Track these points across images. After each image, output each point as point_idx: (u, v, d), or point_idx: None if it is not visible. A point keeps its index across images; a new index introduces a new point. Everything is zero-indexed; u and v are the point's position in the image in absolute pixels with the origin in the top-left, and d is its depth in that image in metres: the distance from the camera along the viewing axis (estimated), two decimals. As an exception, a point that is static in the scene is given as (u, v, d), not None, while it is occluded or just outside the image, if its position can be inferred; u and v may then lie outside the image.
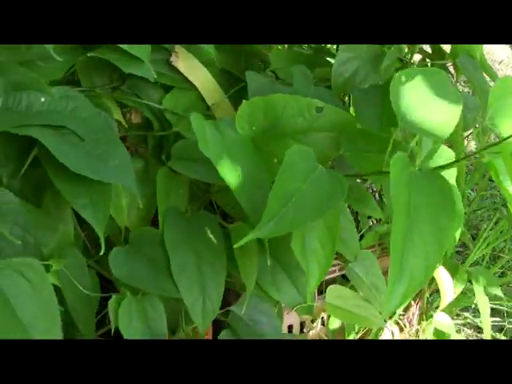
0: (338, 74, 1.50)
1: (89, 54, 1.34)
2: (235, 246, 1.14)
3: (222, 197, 1.50)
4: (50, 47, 1.22)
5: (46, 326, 1.18)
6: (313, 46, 1.80)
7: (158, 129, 1.47)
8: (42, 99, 1.28)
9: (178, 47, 1.48)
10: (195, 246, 1.35)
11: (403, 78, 1.20)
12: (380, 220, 1.91)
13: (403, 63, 1.63)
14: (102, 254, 1.22)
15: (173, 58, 1.47)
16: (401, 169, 1.05)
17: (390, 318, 1.85)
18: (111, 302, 1.30)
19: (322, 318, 1.82)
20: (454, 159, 1.26)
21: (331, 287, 1.61)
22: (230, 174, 1.18)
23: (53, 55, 1.23)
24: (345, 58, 1.51)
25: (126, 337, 1.28)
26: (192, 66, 1.49)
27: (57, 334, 1.19)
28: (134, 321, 1.29)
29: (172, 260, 1.32)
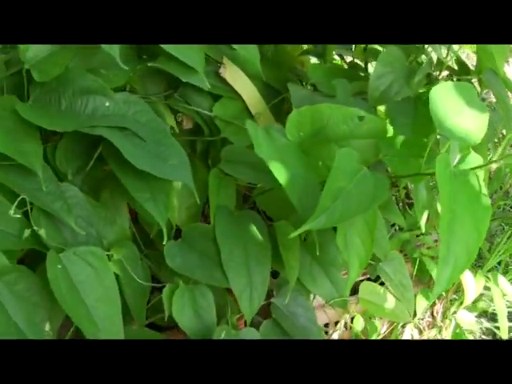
0: (375, 88, 1.60)
1: (149, 64, 1.45)
2: (290, 237, 1.24)
3: (263, 199, 1.61)
4: (116, 55, 1.32)
5: (107, 310, 1.28)
6: (347, 61, 1.91)
7: (207, 134, 1.58)
8: (107, 103, 1.38)
9: (225, 59, 1.59)
10: (243, 241, 1.46)
11: (440, 90, 1.32)
12: (402, 228, 2.02)
13: (431, 78, 1.74)
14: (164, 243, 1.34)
15: (221, 70, 1.58)
16: (444, 167, 1.16)
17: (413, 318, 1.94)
18: (165, 291, 1.41)
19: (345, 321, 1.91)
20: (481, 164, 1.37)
21: (365, 283, 1.71)
22: (282, 174, 1.29)
23: (118, 63, 1.32)
24: (381, 73, 1.62)
25: (178, 322, 1.39)
26: (238, 78, 1.60)
27: (117, 318, 1.29)
28: (185, 308, 1.40)
29: (222, 253, 1.43)
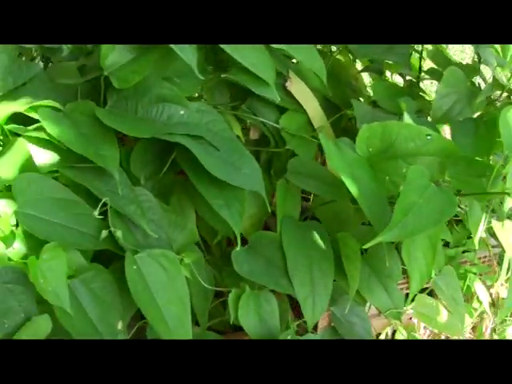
0: (438, 107, 1.64)
1: (223, 76, 1.49)
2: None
3: (323, 210, 1.65)
4: (194, 65, 1.35)
5: (177, 311, 1.31)
6: (406, 79, 1.96)
7: (273, 145, 1.62)
8: (182, 112, 1.42)
9: (291, 73, 1.64)
10: (307, 250, 1.50)
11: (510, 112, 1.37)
12: (447, 244, 2.04)
13: (491, 100, 1.78)
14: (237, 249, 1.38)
15: (288, 83, 1.62)
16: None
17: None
18: (231, 296, 1.44)
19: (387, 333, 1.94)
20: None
21: (419, 296, 1.74)
22: (354, 187, 1.32)
23: (192, 73, 1.34)
24: (444, 93, 1.65)
25: (244, 326, 1.43)
26: (303, 92, 1.64)
27: (187, 319, 1.32)
28: (251, 313, 1.44)
29: (288, 261, 1.47)
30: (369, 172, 1.42)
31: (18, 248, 1.28)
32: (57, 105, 1.42)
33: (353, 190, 1.32)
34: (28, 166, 1.34)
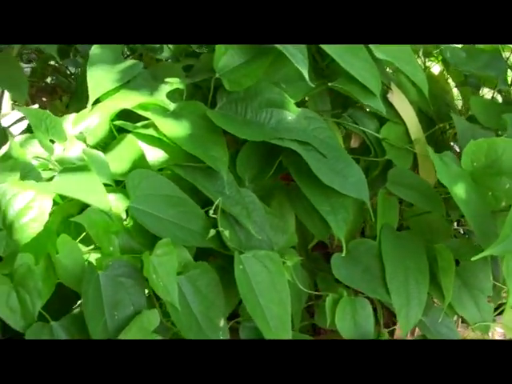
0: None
1: (330, 84, 1.51)
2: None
3: (418, 221, 1.66)
4: (305, 72, 1.36)
5: (278, 311, 1.33)
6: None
7: (373, 155, 1.63)
8: (290, 117, 1.44)
9: (393, 85, 1.64)
10: (404, 260, 1.50)
11: None
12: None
13: None
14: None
15: (389, 95, 1.63)
16: None
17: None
18: (329, 299, 1.46)
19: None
20: None
21: (508, 311, 1.74)
22: (460, 199, 1.34)
23: (302, 79, 1.37)
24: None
25: (340, 330, 1.44)
26: (403, 103, 1.65)
27: (287, 320, 1.34)
28: (347, 317, 1.45)
29: (387, 270, 1.48)
30: (473, 186, 1.42)
31: (128, 242, 1.31)
32: (167, 104, 1.44)
33: (460, 203, 1.34)
34: (140, 162, 1.37)
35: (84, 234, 1.28)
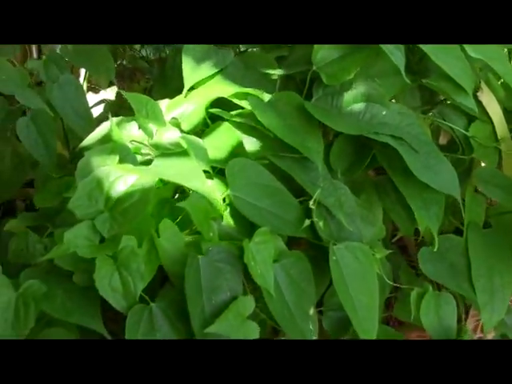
0: None
1: (424, 80, 1.51)
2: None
3: (501, 220, 1.64)
4: (402, 67, 1.37)
5: (367, 302, 1.34)
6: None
7: (460, 152, 1.63)
8: (384, 112, 1.44)
9: (482, 84, 1.64)
10: (489, 258, 1.51)
11: None
12: None
13: None
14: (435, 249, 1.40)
15: (479, 93, 1.63)
16: None
17: None
18: (413, 294, 1.46)
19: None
20: None
21: None
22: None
23: (401, 74, 1.38)
24: None
25: (424, 324, 1.45)
26: (491, 102, 1.64)
27: (375, 311, 1.35)
28: (431, 312, 1.46)
29: (472, 266, 1.49)
30: None
31: (225, 229, 1.33)
32: (263, 94, 1.45)
33: None
34: (239, 150, 1.39)
35: (179, 217, 1.30)
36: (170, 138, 1.40)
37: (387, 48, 1.37)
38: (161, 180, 1.32)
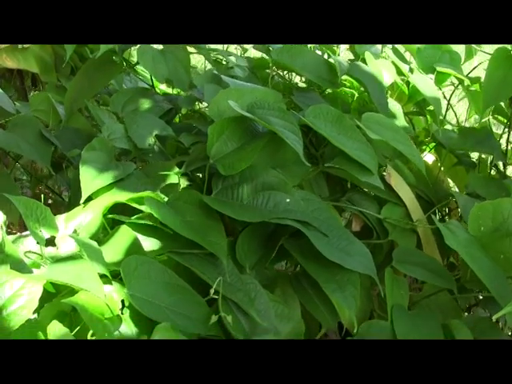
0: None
1: (326, 165, 1.44)
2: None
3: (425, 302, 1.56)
4: (300, 153, 1.30)
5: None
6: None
7: (375, 237, 1.54)
8: (288, 200, 1.36)
9: (389, 167, 1.57)
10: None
11: None
12: None
13: None
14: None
15: (386, 176, 1.56)
16: None
17: None
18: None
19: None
20: None
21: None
22: (474, 264, 1.26)
23: (301, 161, 1.32)
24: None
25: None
26: (401, 185, 1.57)
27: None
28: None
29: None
30: (482, 251, 1.36)
31: (124, 331, 1.20)
32: (159, 196, 1.37)
33: (474, 267, 1.27)
34: (135, 249, 1.28)
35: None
36: (66, 249, 1.30)
37: (283, 134, 1.33)
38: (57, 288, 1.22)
